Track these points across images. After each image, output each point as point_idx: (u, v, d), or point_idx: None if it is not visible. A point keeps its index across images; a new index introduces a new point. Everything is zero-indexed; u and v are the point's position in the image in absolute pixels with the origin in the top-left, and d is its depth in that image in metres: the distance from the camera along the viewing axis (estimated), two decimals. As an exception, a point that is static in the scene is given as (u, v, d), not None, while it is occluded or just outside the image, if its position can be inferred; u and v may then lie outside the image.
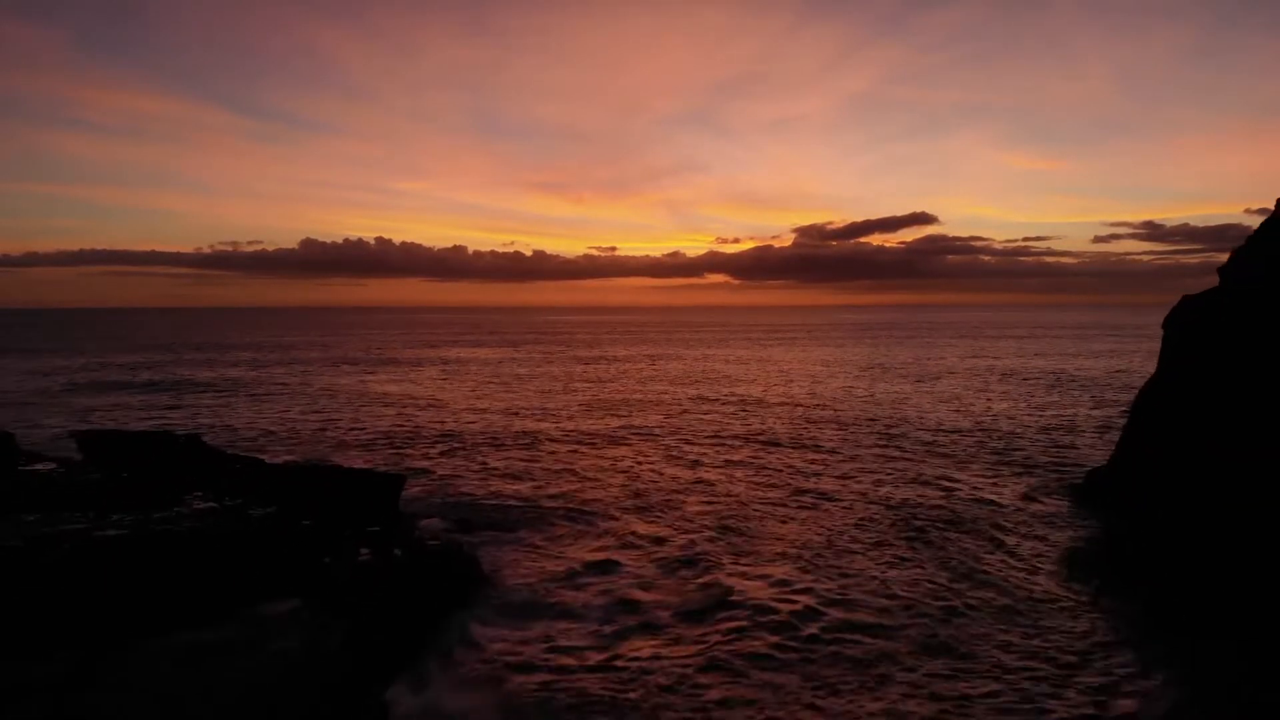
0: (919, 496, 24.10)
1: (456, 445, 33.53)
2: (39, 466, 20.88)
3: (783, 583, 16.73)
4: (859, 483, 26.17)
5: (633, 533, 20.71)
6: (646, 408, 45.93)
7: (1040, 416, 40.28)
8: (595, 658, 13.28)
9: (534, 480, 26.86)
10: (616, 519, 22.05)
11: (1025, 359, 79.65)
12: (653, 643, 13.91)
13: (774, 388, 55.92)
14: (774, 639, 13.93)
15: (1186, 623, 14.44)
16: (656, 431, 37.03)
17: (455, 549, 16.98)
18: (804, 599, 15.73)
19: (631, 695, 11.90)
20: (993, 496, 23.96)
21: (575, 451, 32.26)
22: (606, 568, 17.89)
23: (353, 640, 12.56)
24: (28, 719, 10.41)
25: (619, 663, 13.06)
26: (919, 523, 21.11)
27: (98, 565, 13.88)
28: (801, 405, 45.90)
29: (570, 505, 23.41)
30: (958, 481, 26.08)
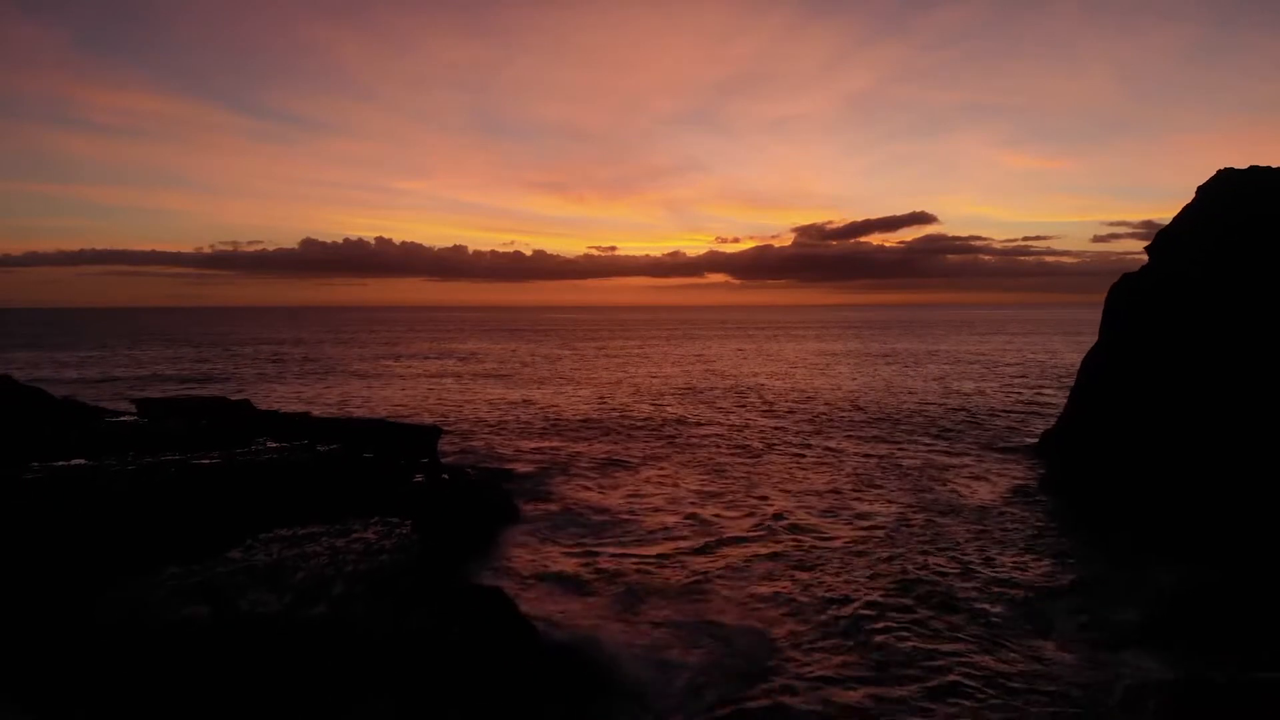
0: (900, 452, 27.51)
1: (483, 417, 36.58)
2: (124, 418, 23.88)
3: (779, 515, 19.78)
4: (853, 441, 29.53)
5: (652, 479, 23.79)
6: (662, 386, 49.00)
7: (1014, 395, 43.55)
8: (619, 550, 16.41)
9: (559, 440, 29.99)
10: (638, 469, 25.10)
11: (1011, 351, 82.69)
12: (668, 545, 17.01)
13: (776, 373, 59.00)
14: (776, 547, 17.03)
15: (1097, 519, 17.97)
16: (672, 404, 40.12)
17: (491, 478, 20.02)
18: (794, 520, 18.84)
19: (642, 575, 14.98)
20: (964, 451, 27.37)
21: (593, 422, 35.33)
22: (631, 497, 21.06)
23: (421, 535, 15.52)
24: (168, 585, 13.35)
25: (639, 550, 16.17)
26: (900, 469, 24.61)
27: (200, 485, 16.85)
28: (802, 386, 48.99)
29: (593, 459, 26.49)
30: (936, 440, 29.67)
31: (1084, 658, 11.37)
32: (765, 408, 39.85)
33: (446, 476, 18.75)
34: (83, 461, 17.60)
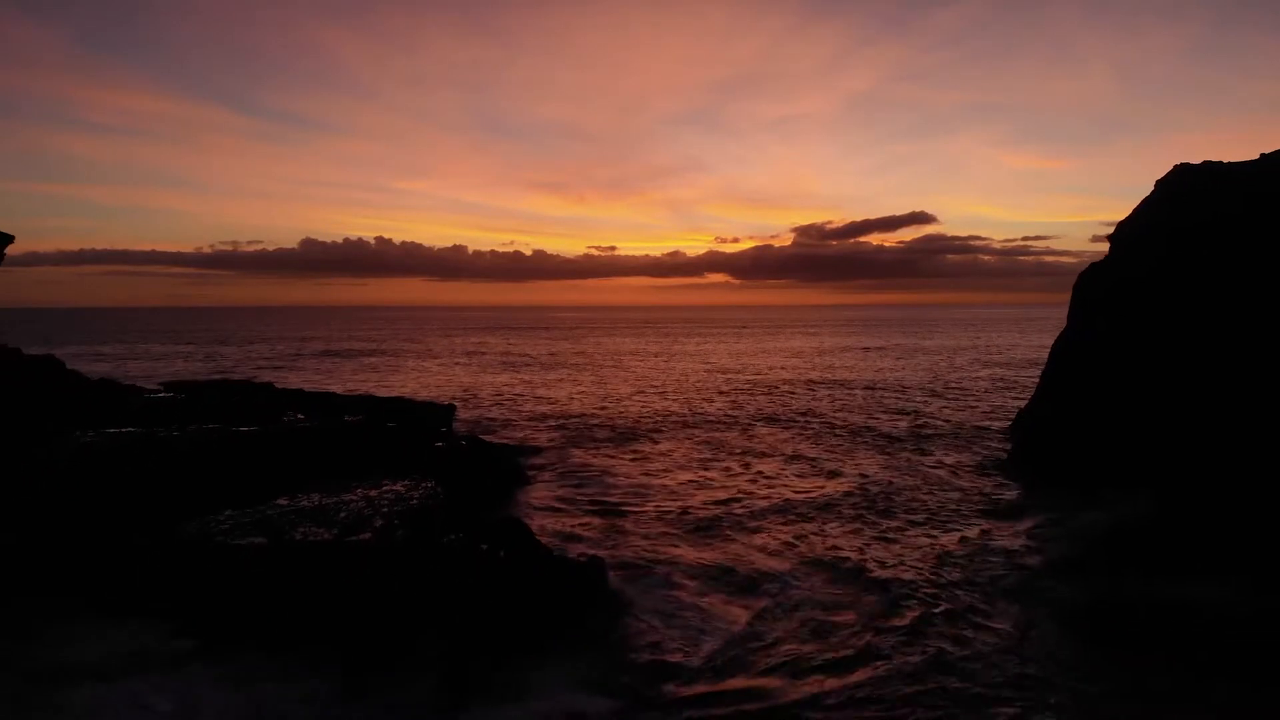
0: (890, 425, 29.75)
1: (493, 400, 38.49)
2: (161, 395, 25.76)
3: (770, 476, 21.70)
4: (847, 414, 31.66)
5: (656, 452, 25.70)
6: (665, 376, 50.91)
7: (999, 381, 45.63)
8: (622, 501, 18.30)
9: (566, 421, 31.89)
10: (642, 444, 27.01)
11: (1005, 346, 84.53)
12: (669, 501, 18.88)
13: (774, 364, 60.91)
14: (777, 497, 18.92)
15: (1049, 480, 19.98)
16: (675, 391, 42.02)
17: (507, 449, 21.89)
18: (780, 481, 20.73)
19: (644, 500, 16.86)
20: (941, 427, 29.39)
21: (598, 407, 37.23)
22: (636, 465, 22.99)
23: (447, 489, 17.38)
24: (227, 523, 15.19)
25: (641, 504, 18.02)
26: (882, 441, 26.74)
27: (245, 448, 18.70)
28: (802, 371, 50.90)
29: (599, 437, 28.41)
30: (918, 417, 31.95)
31: (1012, 585, 13.24)
32: (763, 392, 41.73)
33: (465, 444, 20.60)
34: (135, 430, 19.48)
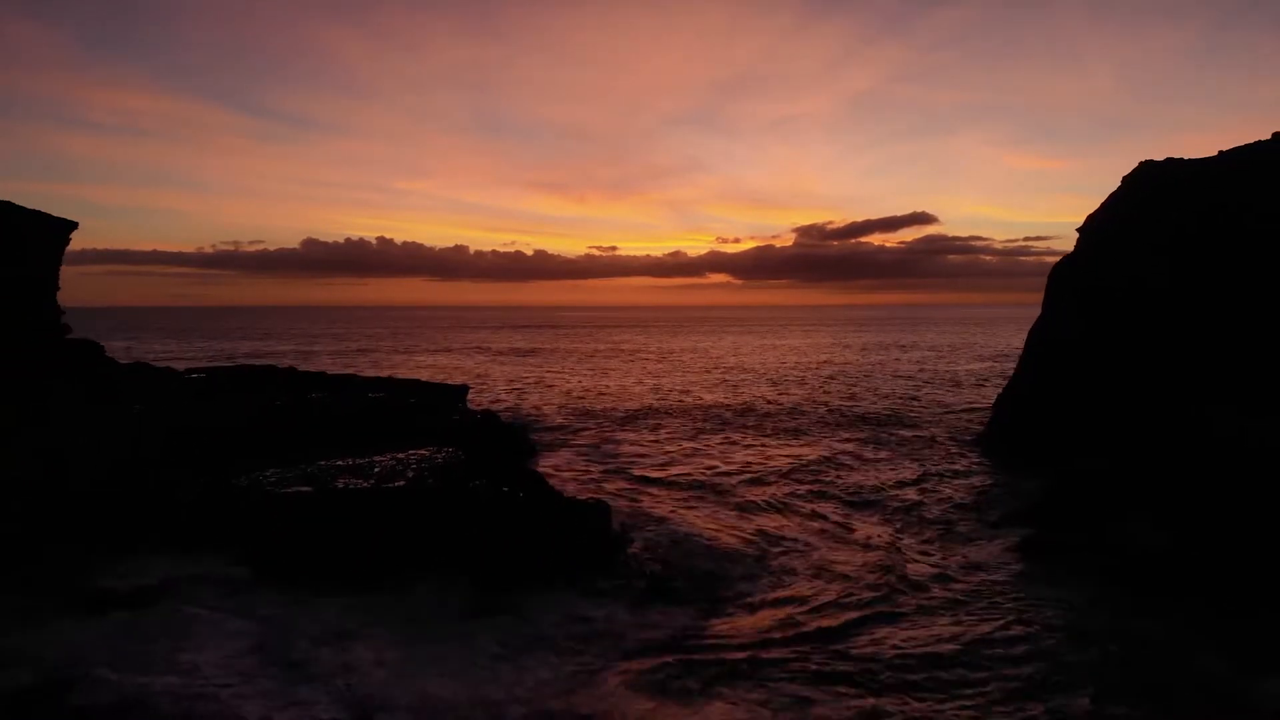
0: (881, 405, 31.90)
1: (503, 386, 40.31)
2: (194, 375, 27.57)
3: (764, 448, 23.49)
4: (840, 398, 33.54)
5: (658, 429, 27.50)
6: (668, 368, 52.75)
7: (989, 370, 47.44)
8: (626, 465, 20.08)
9: (573, 405, 33.74)
10: (645, 424, 28.82)
11: (1000, 341, 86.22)
12: (670, 469, 20.68)
13: (773, 357, 62.72)
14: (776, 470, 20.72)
15: (1013, 455, 21.65)
16: (678, 381, 43.83)
17: (518, 424, 23.68)
18: (782, 458, 22.53)
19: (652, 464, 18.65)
20: (926, 408, 31.29)
21: (604, 394, 39.06)
22: (640, 439, 24.82)
23: (466, 454, 19.17)
24: (274, 476, 16.98)
25: (644, 470, 19.83)
26: (876, 416, 28.63)
27: (277, 421, 20.51)
28: (801, 363, 52.71)
29: (604, 419, 30.23)
30: (907, 399, 34.04)
31: (959, 536, 15.05)
32: (762, 382, 43.52)
33: (480, 417, 22.39)
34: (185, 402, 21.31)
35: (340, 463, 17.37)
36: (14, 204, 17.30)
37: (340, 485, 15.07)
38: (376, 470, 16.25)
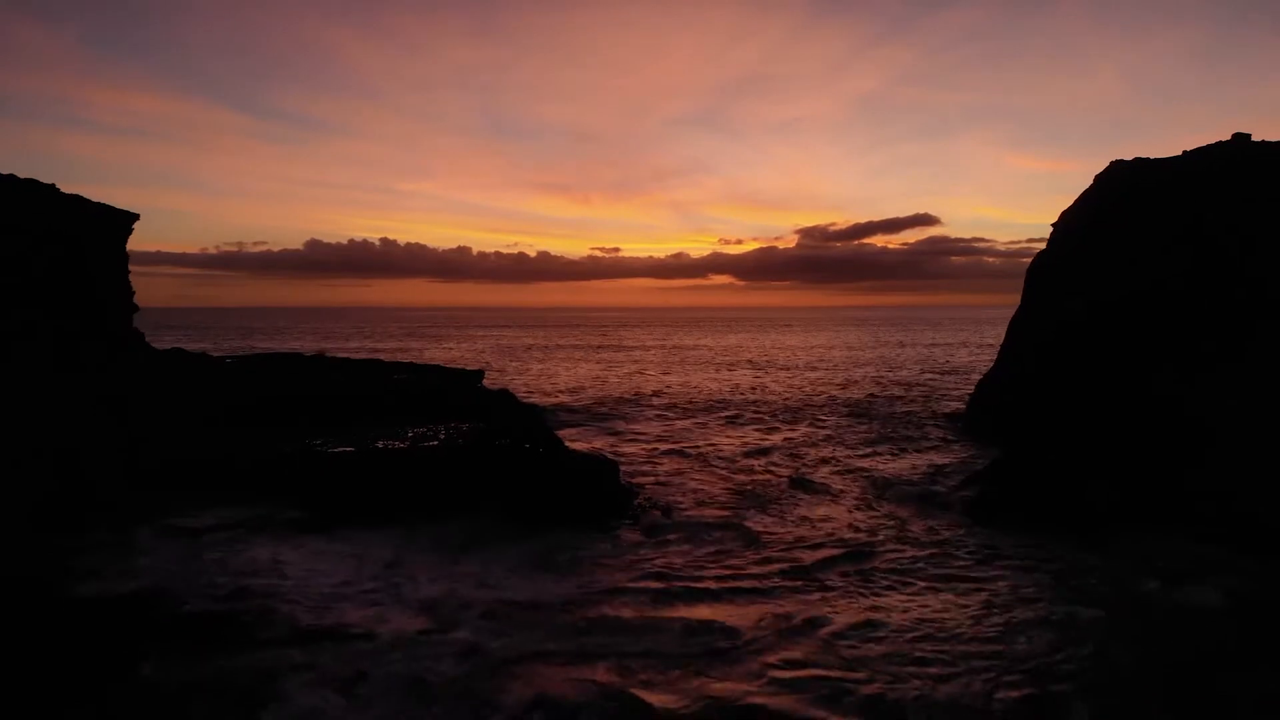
0: (874, 391, 33.88)
1: (515, 375, 42.35)
2: (230, 361, 29.60)
3: (765, 426, 25.47)
4: (834, 387, 35.48)
5: (661, 410, 29.51)
6: (672, 358, 54.78)
7: (982, 362, 49.37)
8: (635, 437, 22.08)
9: (582, 392, 35.80)
10: (649, 407, 30.84)
11: (996, 340, 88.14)
12: (674, 442, 22.66)
13: (778, 353, 64.74)
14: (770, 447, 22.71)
15: (984, 434, 23.50)
16: (679, 374, 45.86)
17: (533, 407, 25.65)
18: (779, 435, 24.52)
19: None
20: (914, 394, 33.37)
21: (609, 383, 41.09)
22: (644, 417, 26.79)
23: (488, 424, 21.18)
24: (318, 443, 18.99)
25: (649, 441, 21.81)
26: (867, 400, 30.65)
27: (315, 399, 22.51)
28: (801, 357, 54.71)
29: (611, 404, 32.27)
30: (898, 387, 36.01)
31: (929, 491, 17.03)
32: (764, 372, 45.52)
33: (498, 396, 24.40)
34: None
35: (376, 432, 19.40)
36: (84, 197, 19.27)
37: (380, 445, 17.09)
38: (411, 434, 18.27)
